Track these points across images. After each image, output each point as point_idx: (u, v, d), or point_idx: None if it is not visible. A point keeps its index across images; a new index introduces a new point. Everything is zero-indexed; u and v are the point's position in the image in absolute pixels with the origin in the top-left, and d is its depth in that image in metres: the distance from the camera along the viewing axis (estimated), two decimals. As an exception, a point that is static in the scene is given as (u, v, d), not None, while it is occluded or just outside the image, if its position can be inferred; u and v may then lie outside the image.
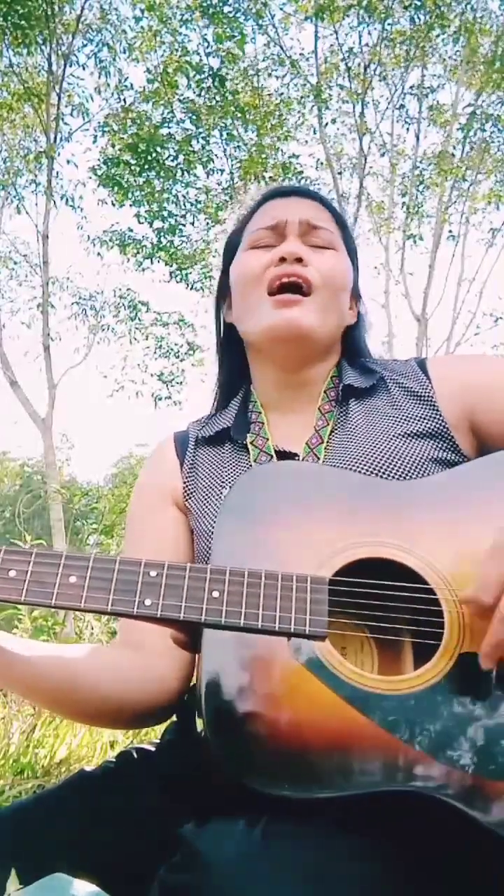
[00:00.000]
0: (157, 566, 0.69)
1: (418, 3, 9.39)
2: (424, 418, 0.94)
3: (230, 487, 0.82)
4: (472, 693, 0.66)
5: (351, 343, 1.07)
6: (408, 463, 0.88)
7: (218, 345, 1.13)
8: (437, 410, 0.94)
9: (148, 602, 0.67)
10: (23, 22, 9.25)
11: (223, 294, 1.11)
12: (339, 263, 1.01)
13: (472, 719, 0.64)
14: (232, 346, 1.09)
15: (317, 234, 1.01)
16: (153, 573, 0.69)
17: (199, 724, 0.67)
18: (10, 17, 9.15)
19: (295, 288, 0.96)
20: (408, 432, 0.92)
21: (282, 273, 0.96)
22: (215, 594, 0.68)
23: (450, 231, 11.77)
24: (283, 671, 0.67)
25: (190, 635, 0.71)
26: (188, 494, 0.98)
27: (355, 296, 1.08)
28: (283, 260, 0.97)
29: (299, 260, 0.97)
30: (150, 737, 2.51)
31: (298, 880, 0.56)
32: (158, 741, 0.93)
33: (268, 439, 0.96)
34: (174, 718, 0.93)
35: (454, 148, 11.06)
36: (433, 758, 0.62)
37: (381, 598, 0.70)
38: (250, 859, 0.57)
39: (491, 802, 0.61)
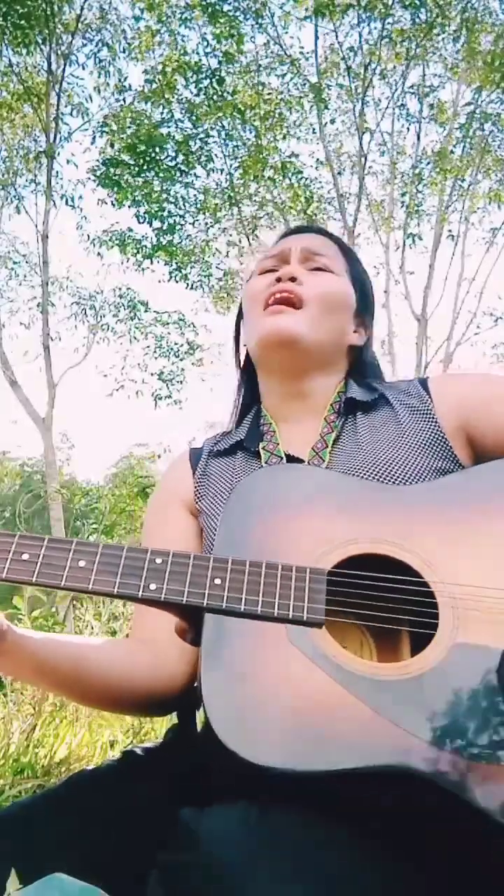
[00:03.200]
0: (163, 554, 0.72)
1: (418, 2, 9.40)
2: (424, 431, 0.99)
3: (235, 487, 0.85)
4: (466, 680, 0.67)
5: (358, 364, 1.13)
6: (409, 471, 0.93)
7: (237, 367, 1.21)
8: (437, 423, 0.99)
9: (153, 586, 0.69)
10: (22, 22, 9.26)
11: (242, 319, 1.18)
12: (334, 284, 1.08)
13: (466, 705, 0.66)
14: (249, 369, 1.16)
15: (316, 260, 1.09)
16: (159, 560, 0.71)
17: (200, 715, 0.68)
18: (9, 17, 9.16)
19: (287, 303, 1.03)
20: (409, 443, 0.97)
21: (276, 290, 1.04)
22: (217, 581, 0.70)
23: (449, 230, 11.79)
24: (282, 657, 0.69)
25: (192, 626, 0.73)
26: (199, 496, 1.03)
27: (363, 321, 1.14)
28: (279, 280, 1.05)
29: (293, 279, 1.05)
30: (151, 737, 2.52)
31: (299, 860, 0.57)
32: (160, 741, 0.94)
33: (278, 444, 1.01)
34: (175, 719, 0.94)
35: (454, 146, 11.07)
36: (429, 743, 0.64)
37: (377, 591, 0.72)
38: (249, 839, 0.58)
39: (488, 787, 0.62)
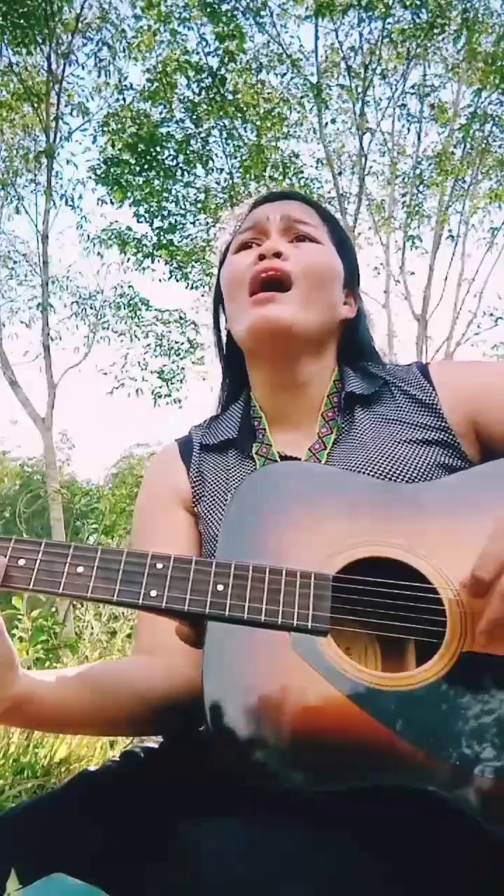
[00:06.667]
0: (164, 558, 0.70)
1: (419, 2, 9.39)
2: (431, 427, 0.94)
3: (235, 488, 0.82)
4: (471, 691, 0.66)
5: (351, 342, 1.07)
6: (415, 469, 0.88)
7: (218, 351, 1.14)
8: (443, 418, 0.94)
9: (153, 593, 0.68)
10: (22, 21, 9.26)
11: (221, 300, 1.11)
12: (321, 255, 1.01)
13: (471, 717, 0.64)
14: (232, 352, 1.10)
15: (298, 230, 1.01)
16: (159, 565, 0.69)
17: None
18: (9, 17, 9.16)
19: (275, 283, 0.96)
20: (414, 439, 0.92)
21: (260, 269, 0.97)
22: (220, 587, 0.68)
23: (449, 231, 11.78)
24: (284, 665, 0.67)
25: (195, 630, 0.72)
26: (197, 499, 0.98)
27: (352, 291, 1.08)
28: (262, 257, 0.98)
29: (278, 255, 0.97)
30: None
31: (298, 879, 0.56)
32: (160, 741, 0.92)
33: (271, 446, 0.97)
34: None
35: (455, 147, 11.06)
36: (431, 754, 0.62)
37: (383, 597, 0.71)
38: (248, 858, 0.58)
39: (488, 800, 0.61)
